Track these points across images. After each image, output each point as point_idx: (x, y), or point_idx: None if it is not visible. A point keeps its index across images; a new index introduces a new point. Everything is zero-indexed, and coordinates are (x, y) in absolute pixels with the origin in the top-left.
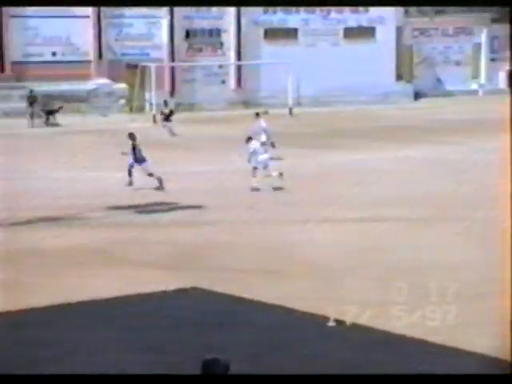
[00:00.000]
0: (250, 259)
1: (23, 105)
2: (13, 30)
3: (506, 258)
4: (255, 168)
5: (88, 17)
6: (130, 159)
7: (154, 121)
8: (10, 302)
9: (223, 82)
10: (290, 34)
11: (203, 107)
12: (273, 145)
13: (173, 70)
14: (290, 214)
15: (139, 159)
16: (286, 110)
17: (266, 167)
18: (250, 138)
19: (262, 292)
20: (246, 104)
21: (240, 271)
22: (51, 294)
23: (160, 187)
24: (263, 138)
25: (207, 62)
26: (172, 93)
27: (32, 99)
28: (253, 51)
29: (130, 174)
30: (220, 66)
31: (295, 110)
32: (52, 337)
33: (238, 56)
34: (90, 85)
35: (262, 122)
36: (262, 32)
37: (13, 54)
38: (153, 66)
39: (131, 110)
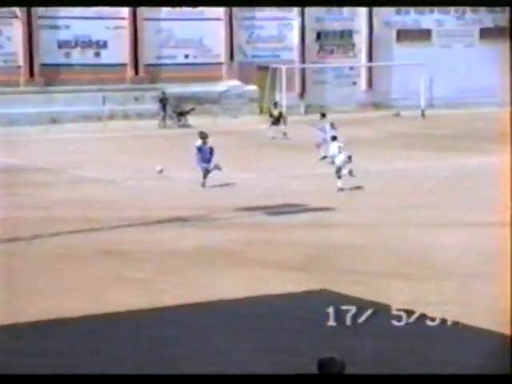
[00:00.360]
0: (378, 262)
1: (155, 106)
2: (147, 33)
3: None
4: (339, 169)
5: (220, 19)
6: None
7: (285, 122)
8: (143, 301)
9: (354, 83)
10: (423, 35)
11: (333, 109)
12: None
13: (303, 71)
14: (419, 216)
15: (206, 158)
16: (418, 112)
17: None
18: (334, 138)
19: (391, 295)
20: (377, 106)
21: (369, 274)
22: (182, 293)
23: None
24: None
25: (338, 64)
26: (302, 94)
27: (164, 101)
28: (384, 52)
29: (204, 176)
30: (351, 68)
31: (427, 112)
32: (181, 336)
33: (370, 57)
34: (221, 86)
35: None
36: (394, 33)
37: (146, 56)
38: (283, 67)
39: (261, 111)
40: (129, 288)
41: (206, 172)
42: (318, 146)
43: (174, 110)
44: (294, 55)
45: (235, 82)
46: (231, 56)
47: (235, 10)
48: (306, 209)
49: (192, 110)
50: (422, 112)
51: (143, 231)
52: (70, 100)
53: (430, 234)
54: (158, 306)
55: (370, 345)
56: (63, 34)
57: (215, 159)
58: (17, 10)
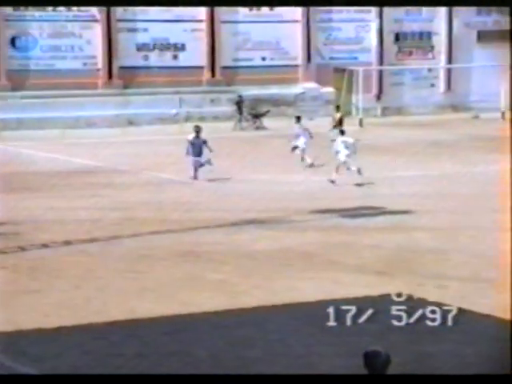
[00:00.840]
0: (460, 266)
1: (231, 108)
2: (224, 36)
3: None
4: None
5: (297, 21)
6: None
7: (361, 125)
8: (221, 302)
9: (432, 85)
10: (505, 36)
11: (411, 111)
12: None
13: (380, 73)
14: (502, 220)
15: (197, 152)
16: (498, 114)
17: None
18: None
19: (472, 300)
20: (455, 108)
21: (450, 278)
22: (261, 295)
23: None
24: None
25: (416, 66)
26: (379, 96)
27: (240, 103)
28: (464, 54)
29: (195, 169)
30: (429, 70)
31: (508, 114)
32: (258, 337)
33: (449, 59)
34: (297, 89)
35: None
36: (474, 34)
37: (223, 58)
38: (360, 69)
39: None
40: (206, 289)
41: (198, 165)
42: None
43: (250, 112)
44: (372, 57)
45: (312, 84)
46: (308, 58)
47: (312, 11)
48: (384, 211)
49: (267, 112)
50: (502, 114)
51: (220, 233)
52: (147, 102)
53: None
54: (235, 308)
55: (450, 349)
56: (142, 37)
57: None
58: (96, 13)
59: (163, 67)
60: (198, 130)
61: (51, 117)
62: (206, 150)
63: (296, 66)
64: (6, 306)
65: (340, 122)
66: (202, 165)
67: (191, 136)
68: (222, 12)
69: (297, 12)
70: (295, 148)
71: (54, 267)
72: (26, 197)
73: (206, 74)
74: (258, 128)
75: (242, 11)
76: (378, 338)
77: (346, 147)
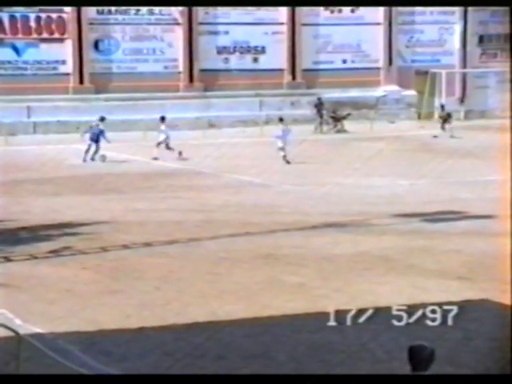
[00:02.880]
0: None
1: (312, 111)
2: (304, 38)
3: None
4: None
5: (379, 23)
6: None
7: (443, 128)
8: (301, 305)
9: None
10: None
11: (495, 114)
12: None
13: (464, 76)
14: None
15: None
16: None
17: None
18: None
19: None
20: None
21: None
22: (341, 299)
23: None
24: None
25: (501, 68)
26: (462, 99)
27: (319, 106)
28: None
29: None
30: None
31: None
32: (338, 341)
33: None
34: (378, 91)
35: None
36: None
37: (304, 61)
38: (443, 72)
39: (419, 116)
40: (286, 292)
41: (90, 149)
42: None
43: (331, 115)
44: (455, 60)
45: (393, 87)
46: (390, 61)
47: (394, 14)
48: (466, 216)
49: (348, 115)
50: None
51: (300, 236)
52: (227, 105)
53: None
54: (315, 311)
55: None
56: (222, 40)
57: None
58: (178, 16)
59: (243, 70)
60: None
61: (133, 119)
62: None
63: (377, 68)
64: (88, 306)
65: (446, 120)
66: (93, 151)
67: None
68: (303, 14)
69: (378, 14)
70: (282, 149)
71: (134, 268)
72: (109, 198)
73: (287, 77)
74: (338, 131)
75: (323, 14)
76: (460, 344)
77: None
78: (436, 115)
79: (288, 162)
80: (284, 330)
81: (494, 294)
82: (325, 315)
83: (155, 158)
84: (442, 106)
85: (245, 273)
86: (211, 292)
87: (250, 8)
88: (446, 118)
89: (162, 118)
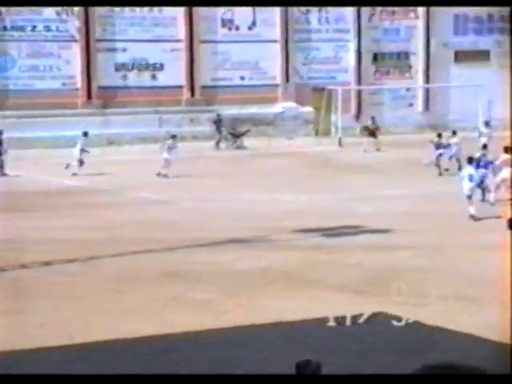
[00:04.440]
0: (441, 285)
1: (211, 128)
2: (203, 55)
3: None
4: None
5: (276, 41)
6: None
7: (340, 144)
8: (204, 322)
9: (411, 105)
10: (482, 56)
11: (390, 130)
12: None
13: (359, 93)
14: (484, 238)
15: None
16: (476, 134)
17: None
18: None
19: (454, 319)
20: (434, 127)
21: (431, 297)
22: (244, 314)
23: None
24: None
25: (395, 85)
26: (358, 116)
27: (219, 122)
28: (442, 74)
29: None
30: (408, 89)
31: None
32: (241, 357)
33: (427, 79)
34: (276, 108)
35: None
36: (452, 54)
37: (202, 78)
38: (339, 89)
39: (317, 133)
40: (190, 309)
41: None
42: None
43: (230, 131)
44: (350, 77)
45: (291, 104)
46: (287, 78)
47: (291, 31)
48: (365, 230)
49: (247, 131)
50: (480, 134)
51: (204, 252)
52: (126, 122)
53: (496, 256)
54: (218, 327)
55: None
56: (120, 57)
57: None
58: (75, 33)
59: (142, 87)
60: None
61: (31, 136)
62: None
63: (275, 85)
64: None
65: (373, 134)
66: None
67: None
68: (201, 32)
69: (275, 31)
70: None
71: (34, 288)
72: (7, 217)
73: (186, 94)
74: (238, 147)
75: (221, 31)
76: (361, 357)
77: None
78: (332, 131)
79: (165, 176)
80: (188, 347)
81: (392, 307)
82: (228, 331)
83: (74, 174)
84: (373, 118)
85: (149, 290)
86: (115, 310)
87: (148, 24)
88: (373, 132)
89: (85, 134)
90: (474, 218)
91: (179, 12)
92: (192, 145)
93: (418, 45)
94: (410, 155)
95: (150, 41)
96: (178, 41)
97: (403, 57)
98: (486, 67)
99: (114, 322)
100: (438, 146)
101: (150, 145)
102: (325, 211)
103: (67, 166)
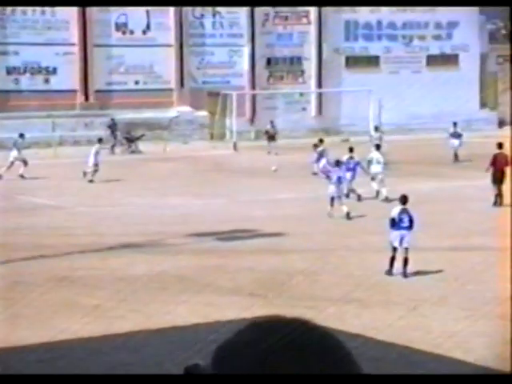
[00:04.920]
0: (331, 287)
1: (106, 132)
2: (97, 59)
3: None
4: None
5: (171, 45)
6: None
7: (235, 148)
8: (98, 327)
9: (304, 109)
10: (372, 61)
11: (284, 134)
12: None
13: (254, 97)
14: (374, 241)
15: None
16: (367, 138)
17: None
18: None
19: (343, 321)
20: (327, 131)
21: (321, 299)
22: (137, 319)
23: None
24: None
25: (288, 90)
26: (252, 120)
27: (114, 127)
28: (334, 79)
29: None
30: (301, 94)
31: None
32: (135, 362)
33: (319, 84)
34: (171, 112)
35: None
36: (343, 60)
37: (97, 82)
38: (234, 93)
39: (212, 137)
40: (82, 315)
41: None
42: None
43: (125, 136)
44: (245, 81)
45: (186, 108)
46: (181, 82)
47: (185, 36)
48: (258, 234)
49: (142, 136)
50: (371, 138)
51: (96, 257)
52: (19, 126)
53: (384, 259)
54: (112, 333)
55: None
56: (12, 61)
57: None
58: None
59: (35, 91)
60: None
61: None
62: None
63: (170, 89)
64: None
65: (273, 137)
66: None
67: None
68: (95, 35)
69: (170, 36)
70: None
71: None
72: None
73: (80, 98)
74: (133, 152)
75: (116, 35)
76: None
77: None
78: (227, 135)
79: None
80: (80, 353)
81: (285, 309)
82: (121, 336)
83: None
84: (272, 122)
85: (39, 296)
86: (4, 317)
87: (40, 28)
88: (272, 135)
89: (21, 135)
90: (348, 216)
91: (72, 15)
92: (86, 149)
93: (311, 50)
94: (303, 159)
95: (43, 44)
96: (72, 44)
97: (296, 62)
98: (375, 72)
99: (3, 330)
100: (321, 155)
101: (43, 149)
102: (219, 215)
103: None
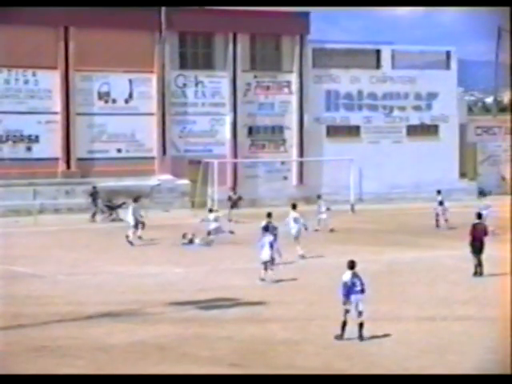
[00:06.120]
0: (311, 357)
1: (87, 200)
2: (79, 128)
3: None
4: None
5: (153, 114)
6: None
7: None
8: None
9: (285, 178)
10: (353, 131)
11: (265, 203)
12: None
13: (235, 165)
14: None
15: None
16: (348, 207)
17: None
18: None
19: None
20: (308, 200)
21: (302, 369)
22: None
23: None
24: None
25: (270, 159)
26: (234, 189)
27: (95, 195)
28: (315, 148)
29: None
30: (282, 163)
31: (357, 207)
32: None
33: (301, 152)
34: (153, 180)
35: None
36: (324, 129)
37: (78, 150)
38: (215, 162)
39: (193, 205)
40: None
41: None
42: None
43: (106, 203)
44: (226, 150)
45: (167, 176)
46: (163, 150)
47: (168, 104)
48: (238, 303)
49: (123, 204)
50: (352, 206)
51: (75, 326)
52: (0, 194)
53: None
54: None
55: None
56: None
57: None
58: None
59: (16, 159)
60: None
61: None
62: None
63: (151, 157)
64: None
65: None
66: None
67: None
68: (78, 104)
69: (152, 105)
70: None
71: None
72: None
73: (61, 166)
74: (114, 220)
75: (98, 103)
76: None
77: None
78: (209, 203)
79: None
80: None
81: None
82: None
83: None
84: (234, 189)
85: (17, 366)
86: None
87: (23, 96)
88: (235, 202)
89: None
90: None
91: (55, 84)
92: (67, 217)
93: (292, 119)
94: (283, 227)
95: (25, 113)
96: (54, 113)
97: (278, 131)
98: (356, 142)
99: None
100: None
101: (23, 217)
102: (199, 284)
103: None
